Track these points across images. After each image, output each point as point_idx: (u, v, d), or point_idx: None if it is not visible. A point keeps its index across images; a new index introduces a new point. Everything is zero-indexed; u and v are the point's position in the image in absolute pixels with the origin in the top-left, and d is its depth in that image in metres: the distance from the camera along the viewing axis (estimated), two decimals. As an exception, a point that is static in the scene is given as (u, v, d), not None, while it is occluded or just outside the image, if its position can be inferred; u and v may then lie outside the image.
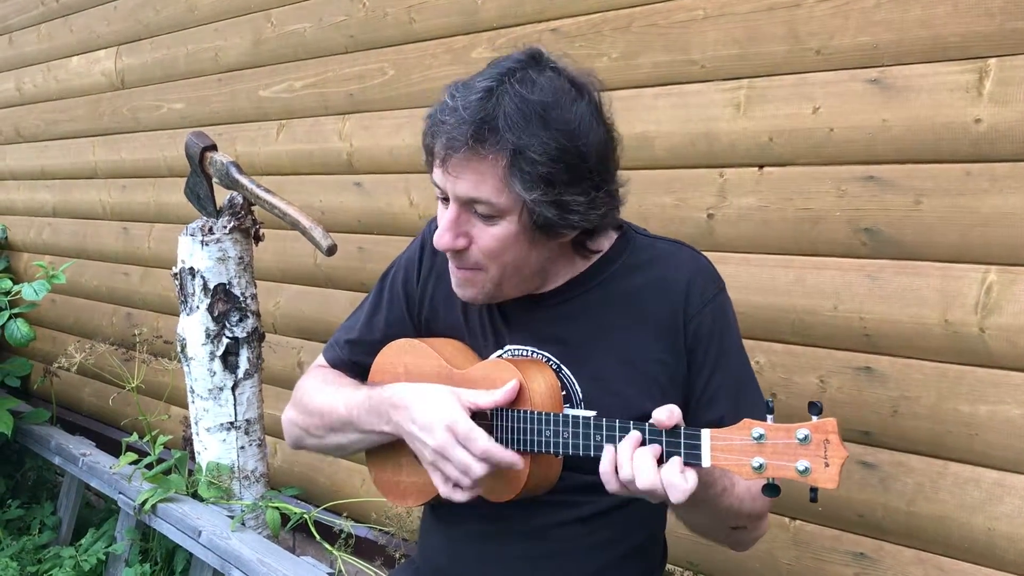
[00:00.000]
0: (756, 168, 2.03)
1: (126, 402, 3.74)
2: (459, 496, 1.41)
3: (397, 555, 2.34)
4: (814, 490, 1.20)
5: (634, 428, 1.31)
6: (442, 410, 1.41)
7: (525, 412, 1.43)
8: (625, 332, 1.52)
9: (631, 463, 1.27)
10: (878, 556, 1.91)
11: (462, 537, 1.59)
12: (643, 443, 1.28)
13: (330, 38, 2.99)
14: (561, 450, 1.39)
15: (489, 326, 1.59)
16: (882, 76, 1.82)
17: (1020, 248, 1.68)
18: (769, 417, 1.23)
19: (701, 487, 1.28)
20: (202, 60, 3.52)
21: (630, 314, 1.52)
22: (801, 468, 1.18)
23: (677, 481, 1.24)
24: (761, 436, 1.21)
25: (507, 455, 1.38)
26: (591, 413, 1.48)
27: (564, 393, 1.50)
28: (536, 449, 1.42)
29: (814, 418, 1.20)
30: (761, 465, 1.21)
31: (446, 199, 1.43)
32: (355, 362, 1.69)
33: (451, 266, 1.50)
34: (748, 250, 2.05)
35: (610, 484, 1.30)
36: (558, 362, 1.52)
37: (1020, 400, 1.70)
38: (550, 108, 1.35)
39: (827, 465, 1.18)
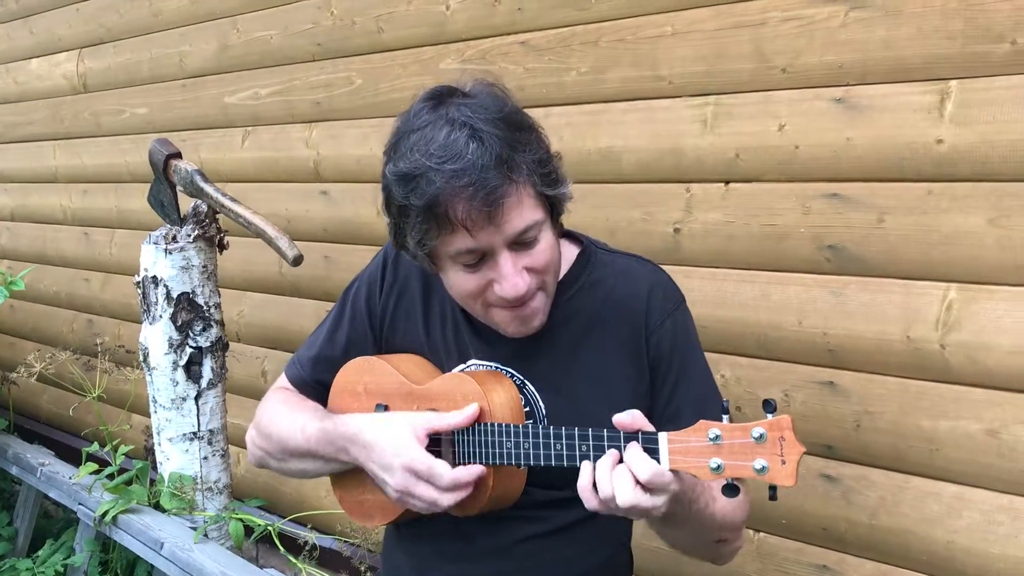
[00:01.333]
0: (722, 184, 2.05)
1: (87, 411, 3.68)
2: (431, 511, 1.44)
3: (362, 567, 2.33)
4: (773, 488, 1.21)
5: (593, 436, 1.32)
6: (398, 449, 1.42)
7: (486, 425, 1.43)
8: (588, 349, 1.53)
9: (611, 481, 1.26)
10: (840, 569, 1.93)
11: (428, 556, 1.59)
12: (620, 460, 1.28)
13: (297, 46, 2.97)
14: (523, 461, 1.40)
15: (453, 342, 1.59)
16: (847, 95, 1.85)
17: (980, 266, 1.71)
18: (724, 417, 1.24)
19: (686, 503, 1.30)
20: (167, 65, 3.48)
21: (593, 331, 1.53)
22: (758, 467, 1.19)
23: (644, 463, 1.24)
24: (717, 437, 1.22)
25: (472, 473, 1.40)
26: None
27: (528, 409, 1.51)
28: (498, 461, 1.43)
29: (768, 416, 1.21)
30: (719, 466, 1.21)
31: (476, 262, 1.40)
32: (317, 380, 1.69)
33: (506, 315, 1.46)
34: (714, 265, 2.07)
35: (589, 503, 1.29)
36: (522, 378, 1.53)
37: (979, 416, 1.73)
38: (511, 115, 1.40)
39: (784, 462, 1.19)
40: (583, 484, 1.30)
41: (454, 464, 1.46)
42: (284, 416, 1.63)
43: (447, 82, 1.48)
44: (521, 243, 1.40)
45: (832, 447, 1.92)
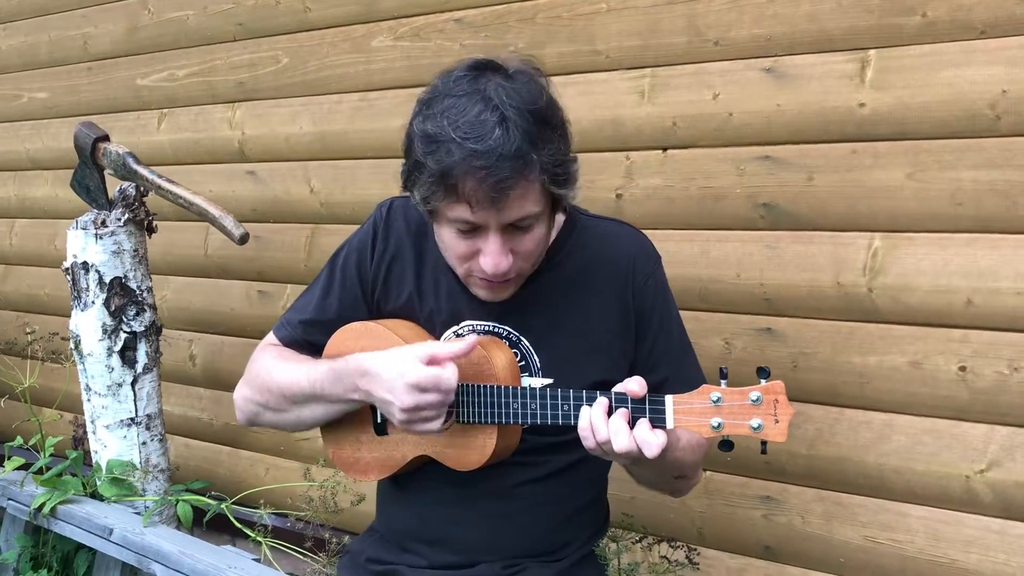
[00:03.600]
0: (661, 151, 2.19)
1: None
2: (427, 427, 1.51)
3: (327, 536, 2.38)
4: (764, 443, 1.37)
5: (601, 396, 1.43)
6: (402, 370, 1.48)
7: (492, 387, 1.53)
8: (577, 306, 1.65)
9: (607, 427, 1.39)
10: (783, 498, 2.12)
11: (431, 502, 1.68)
12: (611, 408, 1.41)
13: (216, 26, 2.96)
14: (529, 420, 1.50)
15: (446, 304, 1.67)
16: (775, 65, 2.02)
17: (900, 216, 1.92)
18: (723, 382, 1.38)
19: None
20: (68, 48, 3.38)
21: (581, 289, 1.65)
22: (755, 425, 1.35)
23: (650, 439, 1.37)
24: (719, 399, 1.37)
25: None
26: (548, 381, 1.61)
27: (523, 363, 1.62)
28: (506, 421, 1.52)
29: (762, 381, 1.36)
30: (719, 424, 1.36)
31: (470, 231, 1.49)
32: (309, 342, 1.73)
33: (481, 283, 1.56)
34: (655, 226, 2.20)
35: (587, 441, 1.42)
36: (518, 335, 1.63)
37: (904, 350, 1.94)
38: (544, 110, 1.46)
39: (777, 422, 1.34)
40: (583, 426, 1.42)
41: (458, 422, 1.55)
42: (284, 367, 1.67)
43: (484, 55, 1.54)
44: (515, 227, 1.50)
45: (771, 388, 2.09)
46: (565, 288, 1.65)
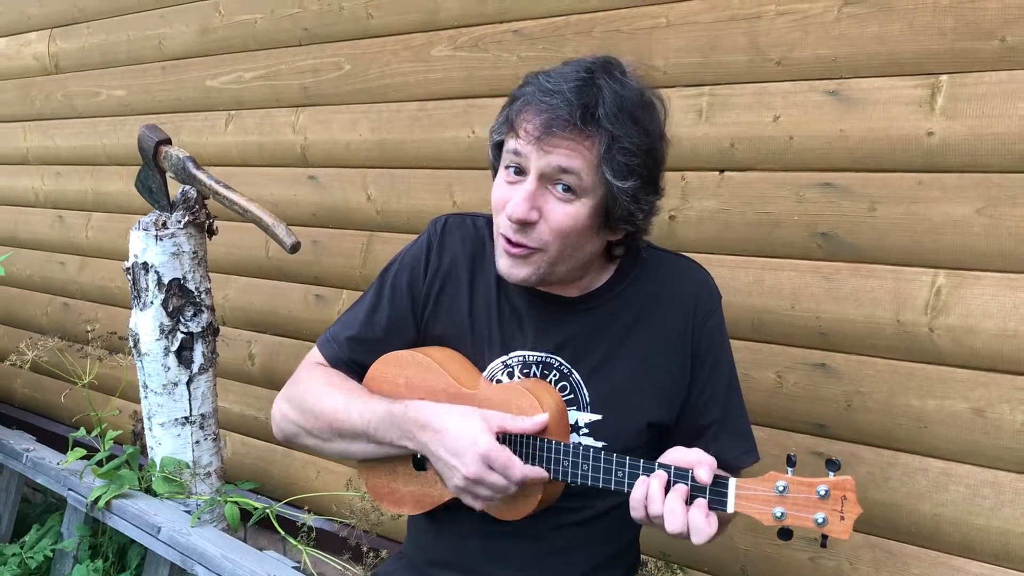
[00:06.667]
0: (717, 172, 2.11)
1: (60, 393, 3.67)
2: (483, 506, 1.49)
3: (364, 548, 2.37)
4: (825, 537, 1.31)
5: (660, 469, 1.38)
6: (476, 438, 1.44)
7: (547, 441, 1.48)
8: (634, 342, 1.58)
9: (663, 504, 1.34)
10: (829, 540, 2.01)
11: (466, 534, 1.63)
12: (669, 483, 1.36)
13: (283, 30, 2.97)
14: (579, 480, 1.46)
15: (497, 332, 1.62)
16: (840, 88, 1.92)
17: (967, 253, 1.80)
18: (790, 470, 1.32)
19: None
20: (145, 47, 3.45)
21: (640, 325, 1.59)
22: (819, 520, 1.29)
23: (702, 525, 1.33)
24: (784, 488, 1.31)
25: (540, 471, 1.46)
26: (596, 417, 1.56)
27: (571, 397, 1.56)
28: (558, 477, 1.48)
29: (831, 475, 1.29)
30: (782, 514, 1.31)
31: (519, 172, 1.48)
32: (355, 360, 1.69)
33: (503, 246, 1.50)
34: (708, 251, 2.13)
35: (637, 512, 1.38)
36: (569, 366, 1.57)
37: (966, 395, 1.82)
38: (639, 109, 1.46)
39: (842, 519, 1.29)
40: (637, 496, 1.38)
41: None
42: (333, 396, 1.61)
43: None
44: (553, 189, 1.45)
45: (823, 425, 2.00)
46: (624, 323, 1.59)
